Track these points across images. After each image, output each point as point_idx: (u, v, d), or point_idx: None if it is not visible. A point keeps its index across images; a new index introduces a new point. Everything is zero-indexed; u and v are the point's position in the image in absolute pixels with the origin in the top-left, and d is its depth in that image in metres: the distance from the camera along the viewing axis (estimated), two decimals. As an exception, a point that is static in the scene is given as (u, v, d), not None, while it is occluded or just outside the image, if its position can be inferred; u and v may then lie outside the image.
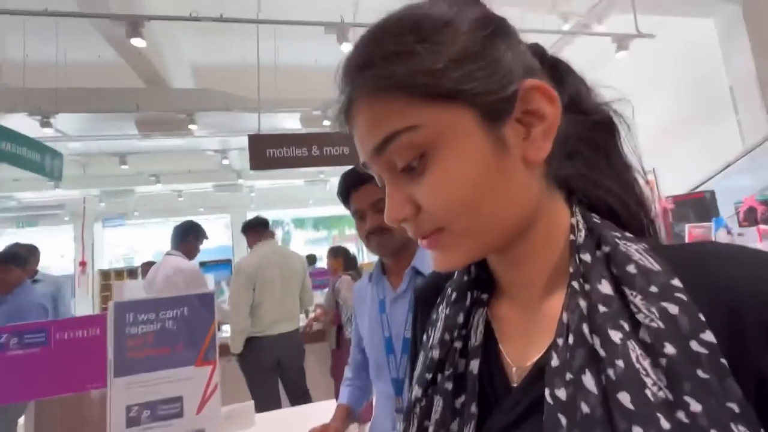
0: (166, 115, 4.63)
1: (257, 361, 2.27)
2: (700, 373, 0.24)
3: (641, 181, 0.38)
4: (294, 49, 4.37)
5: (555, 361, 0.29)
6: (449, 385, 0.38)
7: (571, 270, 0.32)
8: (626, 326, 0.27)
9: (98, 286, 7.53)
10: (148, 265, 3.86)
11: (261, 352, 2.28)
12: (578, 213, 0.34)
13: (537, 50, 0.38)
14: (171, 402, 0.93)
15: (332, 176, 6.83)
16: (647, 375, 0.25)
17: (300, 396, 2.36)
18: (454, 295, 0.42)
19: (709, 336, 0.25)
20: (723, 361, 0.25)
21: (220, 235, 9.16)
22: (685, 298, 0.27)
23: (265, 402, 2.11)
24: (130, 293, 2.46)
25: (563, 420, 0.28)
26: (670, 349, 0.25)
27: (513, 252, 0.35)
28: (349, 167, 1.08)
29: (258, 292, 2.30)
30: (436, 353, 0.41)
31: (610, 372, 0.26)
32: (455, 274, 0.43)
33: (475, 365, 0.37)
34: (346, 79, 0.33)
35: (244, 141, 3.85)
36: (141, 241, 9.59)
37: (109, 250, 9.15)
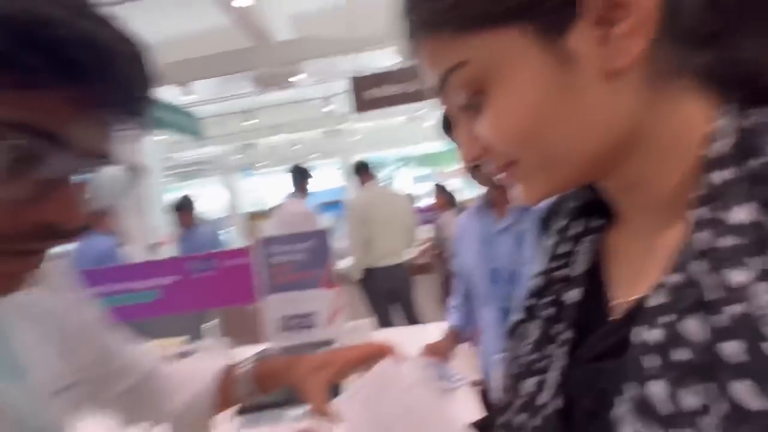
0: (275, 70, 4.98)
1: (372, 289, 2.56)
2: None
3: None
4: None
5: (656, 300, 0.26)
6: (548, 312, 0.38)
7: (698, 193, 0.26)
8: (760, 264, 0.22)
9: (243, 226, 9.04)
10: (274, 209, 4.59)
11: (377, 281, 2.54)
12: (726, 115, 0.26)
13: None
14: (307, 316, 1.14)
15: (435, 111, 6.63)
16: None
17: (411, 322, 2.61)
18: (562, 223, 0.40)
19: None
20: None
21: (333, 178, 9.94)
22: None
23: (381, 324, 2.42)
24: (266, 232, 2.98)
25: (649, 363, 0.25)
26: None
27: (621, 175, 0.30)
28: None
29: (369, 228, 2.52)
30: (538, 281, 0.41)
31: (722, 318, 0.22)
32: (570, 200, 0.41)
33: (573, 295, 0.37)
34: (399, 24, 0.32)
35: (347, 85, 3.95)
36: (269, 187, 11.08)
37: (246, 196, 10.78)
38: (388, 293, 2.57)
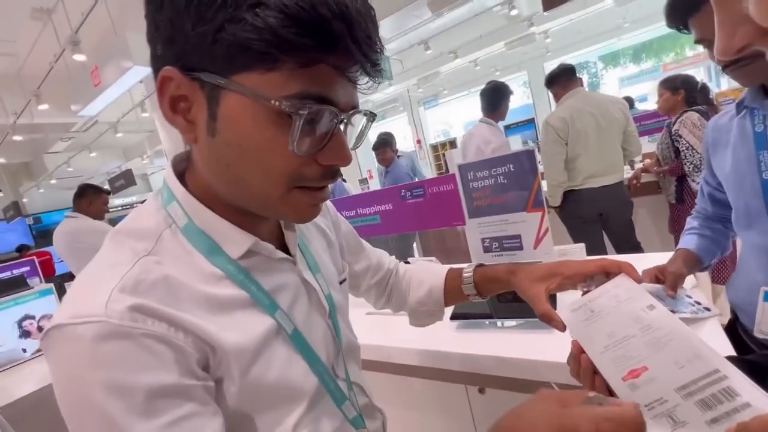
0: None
1: (577, 213, 2.32)
2: None
3: None
4: None
5: None
6: None
7: None
8: None
9: (432, 156, 9.50)
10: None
11: (580, 204, 2.29)
12: None
13: None
14: (512, 238, 1.16)
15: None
16: None
17: (630, 249, 2.27)
18: None
19: None
20: None
21: (520, 95, 9.06)
22: None
23: (591, 251, 2.18)
24: (454, 160, 3.00)
25: None
26: None
27: None
28: None
29: (571, 147, 2.23)
30: None
31: None
32: None
33: None
34: None
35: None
36: (453, 116, 11.06)
37: (431, 127, 11.14)
38: (595, 220, 2.29)
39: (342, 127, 0.40)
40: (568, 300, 0.52)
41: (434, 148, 9.51)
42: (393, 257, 0.82)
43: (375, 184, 4.55)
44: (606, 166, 2.22)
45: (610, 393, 0.41)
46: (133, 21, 3.26)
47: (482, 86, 2.70)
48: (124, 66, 3.11)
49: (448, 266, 0.76)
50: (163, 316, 0.36)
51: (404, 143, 11.09)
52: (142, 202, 0.50)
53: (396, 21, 5.66)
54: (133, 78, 3.25)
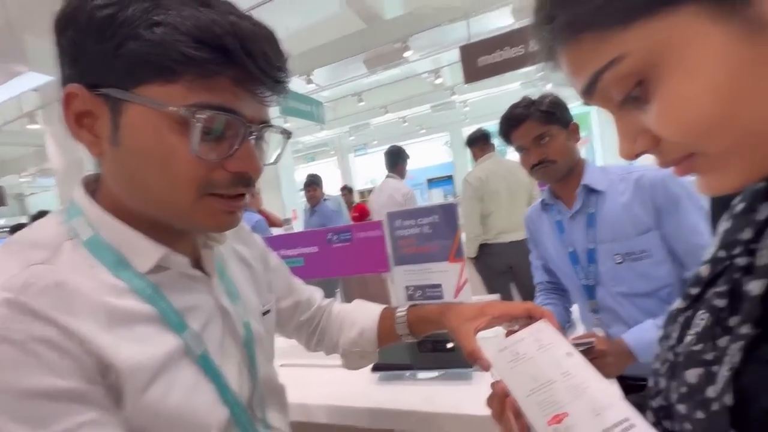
0: (385, 48, 5.07)
1: (490, 265, 2.50)
2: None
3: None
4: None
5: None
6: (721, 302, 0.34)
7: None
8: None
9: (358, 201, 9.64)
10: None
11: (493, 257, 2.48)
12: None
13: None
14: (434, 287, 1.19)
15: (552, 74, 5.96)
16: None
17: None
18: (741, 207, 0.36)
19: None
20: None
21: (442, 153, 9.85)
22: None
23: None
24: (373, 208, 3.25)
25: None
26: None
27: None
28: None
29: (486, 204, 2.45)
30: (705, 270, 0.37)
31: None
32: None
33: (756, 286, 0.32)
34: (536, 32, 0.31)
35: (455, 55, 3.82)
36: (379, 165, 11.55)
37: (360, 174, 11.44)
38: (505, 271, 2.49)
39: (253, 140, 0.42)
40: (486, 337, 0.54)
41: (361, 194, 9.70)
42: (326, 296, 0.79)
43: (299, 226, 4.44)
44: (514, 224, 2.45)
45: None
46: (36, 25, 2.92)
47: (410, 141, 3.08)
48: (15, 69, 2.74)
49: (382, 306, 0.75)
50: (51, 321, 0.33)
51: (332, 187, 11.19)
52: (14, 227, 0.43)
53: (332, 71, 5.90)
54: (26, 84, 2.87)
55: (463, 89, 7.02)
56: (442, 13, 4.42)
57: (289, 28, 4.75)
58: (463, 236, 2.71)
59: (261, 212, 3.79)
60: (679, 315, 0.39)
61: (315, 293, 0.77)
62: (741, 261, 0.34)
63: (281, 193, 5.34)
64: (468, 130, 2.84)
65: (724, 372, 0.32)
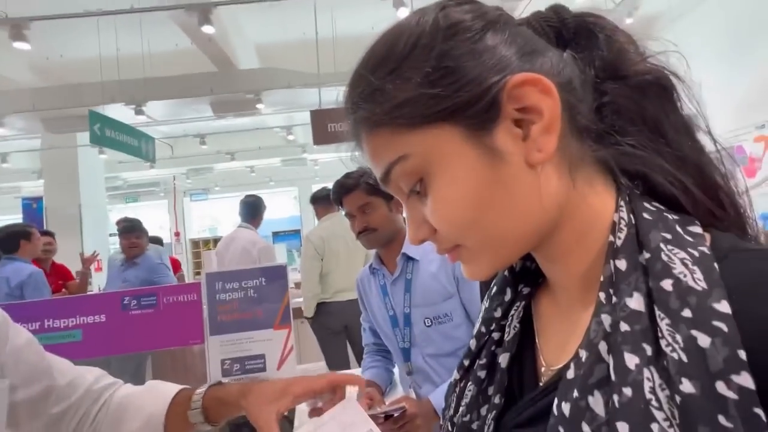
0: (235, 96, 4.94)
1: (327, 325, 2.48)
2: (722, 420, 0.21)
3: (716, 157, 0.31)
4: (351, 19, 4.34)
5: (571, 374, 0.28)
6: (482, 374, 0.40)
7: (602, 278, 0.28)
8: (649, 351, 0.24)
9: (190, 253, 8.51)
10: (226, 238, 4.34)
11: (330, 316, 2.47)
12: (624, 206, 0.29)
13: (552, 18, 0.33)
14: (256, 359, 1.07)
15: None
16: (660, 408, 0.23)
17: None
18: (494, 289, 0.43)
19: (744, 379, 0.21)
20: (758, 411, 0.20)
21: (290, 207, 9.78)
22: (726, 328, 0.22)
23: (335, 361, 2.33)
24: (211, 263, 2.80)
25: None
26: (687, 386, 0.22)
27: (545, 250, 0.34)
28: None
29: (326, 262, 2.47)
30: (473, 343, 0.43)
31: (615, 398, 0.25)
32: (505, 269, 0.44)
33: (504, 359, 0.39)
34: (346, 117, 0.34)
35: (307, 116, 4.00)
36: (222, 213, 10.62)
37: (196, 221, 10.25)
38: (342, 331, 2.50)
39: None
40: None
41: (195, 243, 8.63)
42: (108, 377, 0.64)
43: (101, 282, 3.54)
44: (352, 283, 2.52)
45: None
46: None
47: (258, 191, 2.92)
48: None
49: (180, 387, 0.62)
50: None
51: (158, 232, 9.63)
52: None
53: (173, 107, 5.36)
54: None
55: (314, 148, 7.32)
56: (296, 76, 4.63)
57: (121, 49, 4.18)
58: (298, 298, 2.66)
59: (38, 263, 2.89)
60: (456, 386, 0.42)
61: (84, 375, 0.62)
62: (495, 335, 0.40)
63: (80, 237, 4.26)
64: (317, 188, 2.88)
65: None
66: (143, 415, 0.59)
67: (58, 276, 3.18)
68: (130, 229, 2.86)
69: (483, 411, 0.38)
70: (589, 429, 0.26)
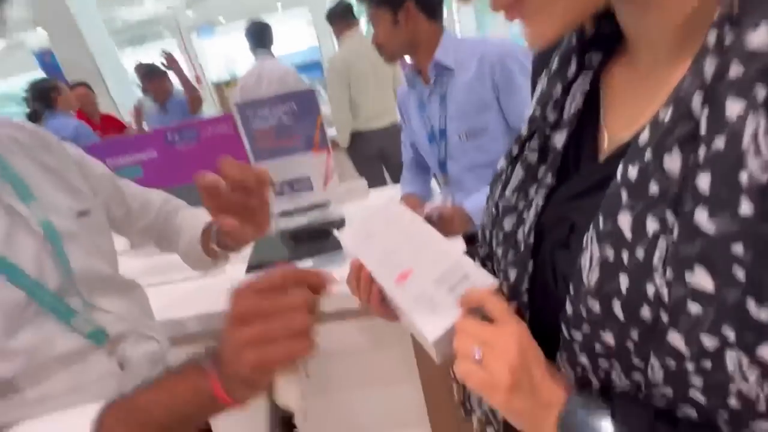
0: None
1: (362, 152, 2.54)
2: None
3: None
4: None
5: (645, 137, 0.26)
6: (533, 157, 0.39)
7: (718, 14, 0.23)
8: (762, 94, 0.20)
9: (216, 97, 8.38)
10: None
11: (364, 144, 2.50)
12: None
13: None
14: (302, 180, 1.15)
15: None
16: (758, 154, 0.20)
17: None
18: (556, 65, 0.38)
19: None
20: None
21: (305, 35, 8.85)
22: None
23: (372, 184, 2.47)
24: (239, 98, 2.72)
25: (624, 197, 0.26)
26: None
27: None
28: None
29: (353, 87, 2.34)
30: (524, 128, 0.41)
31: (701, 152, 0.22)
32: (566, 41, 0.38)
33: (561, 138, 0.37)
34: None
35: None
36: (234, 50, 9.88)
37: (212, 62, 9.72)
38: (378, 157, 2.56)
39: None
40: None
41: (218, 87, 8.42)
42: (173, 200, 0.79)
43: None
44: (383, 108, 2.46)
45: (384, 300, 0.48)
46: None
47: (265, 17, 2.56)
48: None
49: (207, 218, 0.72)
50: None
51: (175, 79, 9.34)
52: None
53: None
54: None
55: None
56: None
57: None
58: (331, 127, 2.65)
59: (85, 115, 2.97)
60: (502, 174, 0.43)
61: (153, 199, 0.77)
62: (552, 117, 0.38)
63: (106, 87, 4.23)
64: (332, 3, 2.47)
65: (531, 216, 0.37)
66: (187, 237, 0.73)
67: (110, 126, 3.19)
68: (147, 73, 2.75)
69: (531, 192, 0.39)
70: (657, 188, 0.25)
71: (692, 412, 0.27)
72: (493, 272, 0.48)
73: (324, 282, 0.39)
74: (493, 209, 0.44)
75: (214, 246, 0.67)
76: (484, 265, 0.49)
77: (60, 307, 0.51)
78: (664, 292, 0.24)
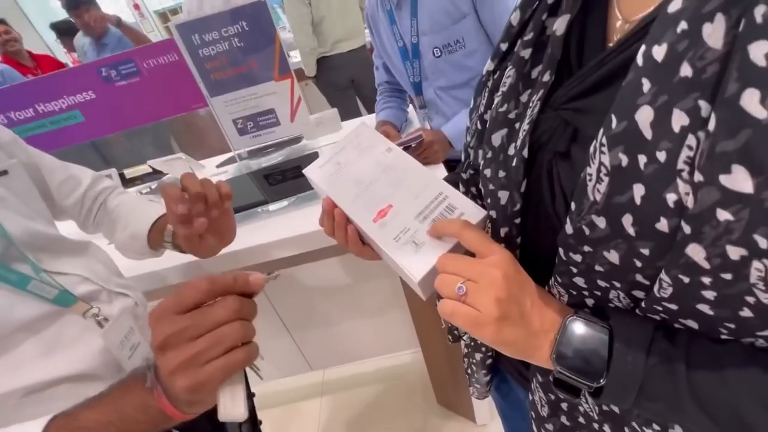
0: None
1: (332, 81, 2.35)
2: None
3: None
4: None
5: (677, 3, 0.21)
6: (526, 53, 0.33)
7: None
8: None
9: (162, 29, 7.55)
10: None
11: (333, 71, 2.31)
12: None
13: None
14: (266, 113, 1.04)
15: None
16: None
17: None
18: None
19: None
20: None
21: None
22: None
23: (345, 116, 2.33)
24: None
25: (645, 85, 0.22)
26: None
27: None
28: None
29: (315, 7, 2.09)
30: (515, 18, 0.34)
31: (759, 11, 0.17)
32: None
33: (561, 24, 0.30)
34: None
35: None
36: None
37: (153, -12, 8.56)
38: (347, 85, 2.39)
39: None
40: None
41: (162, 16, 7.53)
42: (104, 181, 0.72)
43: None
44: (350, 30, 2.23)
45: (362, 238, 0.44)
46: None
47: None
48: None
49: (161, 209, 0.67)
50: None
51: (114, 7, 8.26)
52: None
53: None
54: None
55: None
56: None
57: None
58: (297, 53, 2.41)
59: (11, 59, 2.59)
60: (488, 79, 0.36)
61: (77, 176, 0.69)
62: (548, 1, 0.31)
63: (31, 25, 3.68)
64: None
65: (524, 126, 0.32)
66: (130, 231, 0.68)
67: (47, 68, 2.83)
68: (72, 3, 2.36)
69: (524, 97, 0.33)
70: (690, 70, 0.20)
71: (693, 324, 0.26)
72: (480, 200, 0.44)
73: (254, 286, 0.35)
74: (478, 123, 0.38)
75: (168, 246, 0.66)
76: (468, 192, 0.45)
77: (9, 275, 0.48)
78: (689, 199, 0.21)
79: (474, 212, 0.38)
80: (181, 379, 0.32)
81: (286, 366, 1.51)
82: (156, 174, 1.27)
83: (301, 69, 2.28)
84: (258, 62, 0.97)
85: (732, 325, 0.24)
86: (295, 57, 2.63)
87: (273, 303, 1.27)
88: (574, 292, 0.32)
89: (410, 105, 1.32)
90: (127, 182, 1.23)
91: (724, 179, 0.20)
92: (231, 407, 0.33)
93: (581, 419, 0.39)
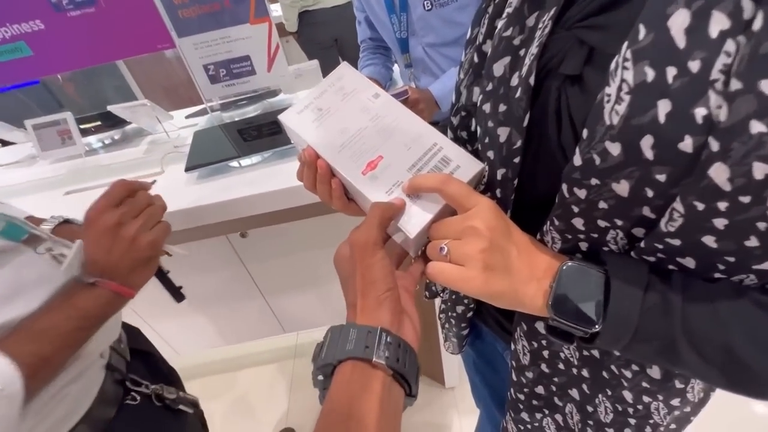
0: None
1: (315, 38, 2.23)
2: None
3: None
4: None
5: None
6: None
7: None
8: None
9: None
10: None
11: (316, 27, 2.18)
12: None
13: None
14: (241, 60, 0.96)
15: None
16: None
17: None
18: None
19: None
20: None
21: None
22: None
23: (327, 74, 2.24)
24: None
25: None
26: None
27: None
28: None
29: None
30: None
31: None
32: None
33: None
34: None
35: None
36: None
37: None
38: (331, 44, 2.27)
39: None
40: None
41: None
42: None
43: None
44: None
45: (346, 193, 0.40)
46: None
47: None
48: None
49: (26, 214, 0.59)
50: None
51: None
52: None
53: None
54: None
55: None
56: None
57: None
58: (278, 6, 2.26)
59: None
60: (489, 5, 0.33)
61: None
62: None
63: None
64: None
65: (532, 50, 0.29)
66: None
67: None
68: None
69: (531, 21, 0.30)
70: None
71: (690, 263, 0.25)
72: (470, 146, 0.41)
73: (147, 186, 0.50)
74: (475, 56, 0.35)
75: None
76: (457, 139, 0.42)
77: None
78: (721, 112, 0.19)
79: (470, 165, 0.35)
80: (144, 237, 0.45)
81: (260, 328, 1.50)
82: (119, 124, 1.17)
83: (282, 24, 2.15)
84: (232, 1, 0.88)
85: (732, 259, 0.23)
86: (275, 11, 2.46)
87: (246, 265, 1.23)
88: (569, 236, 0.30)
89: (395, 65, 1.25)
90: (84, 132, 1.13)
91: (764, 85, 0.18)
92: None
93: (561, 365, 0.39)
